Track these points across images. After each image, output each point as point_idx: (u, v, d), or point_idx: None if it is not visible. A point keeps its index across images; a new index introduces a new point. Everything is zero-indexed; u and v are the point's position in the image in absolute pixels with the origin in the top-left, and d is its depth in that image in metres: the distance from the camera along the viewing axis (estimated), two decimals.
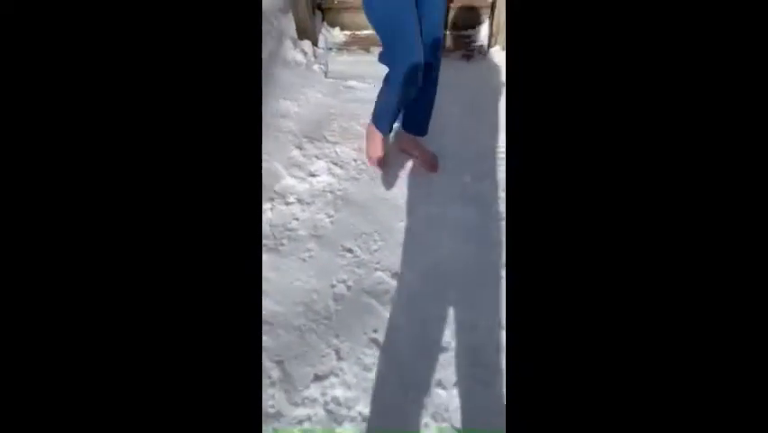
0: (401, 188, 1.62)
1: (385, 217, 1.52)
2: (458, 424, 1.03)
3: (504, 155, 1.78)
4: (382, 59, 1.52)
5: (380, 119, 1.59)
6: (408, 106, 1.62)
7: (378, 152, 1.63)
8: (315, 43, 2.37)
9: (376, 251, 1.42)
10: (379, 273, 1.35)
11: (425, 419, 1.04)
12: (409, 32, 1.35)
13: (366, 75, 2.25)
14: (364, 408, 1.06)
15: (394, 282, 1.32)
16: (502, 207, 1.55)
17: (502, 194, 1.60)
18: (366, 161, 1.71)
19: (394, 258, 1.39)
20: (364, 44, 2.54)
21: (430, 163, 1.68)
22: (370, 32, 2.66)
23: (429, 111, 1.64)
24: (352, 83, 2.18)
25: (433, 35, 1.43)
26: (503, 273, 1.34)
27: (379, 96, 1.58)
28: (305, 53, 2.26)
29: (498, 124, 1.94)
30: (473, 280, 1.32)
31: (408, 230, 1.48)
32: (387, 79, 1.51)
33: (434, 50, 1.46)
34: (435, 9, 1.43)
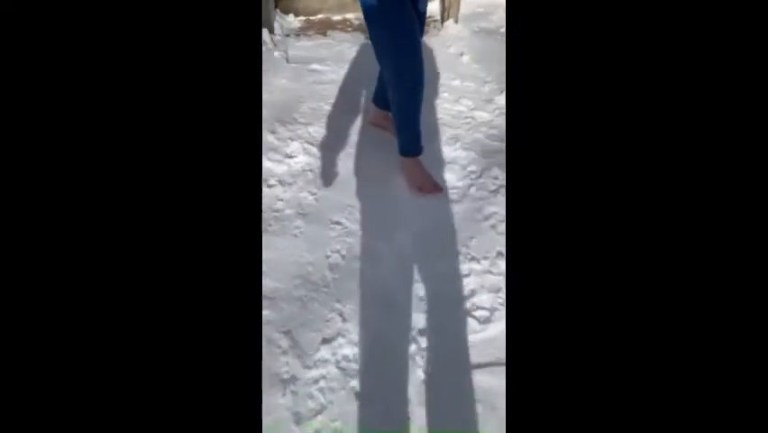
0: (377, 161, 1.68)
1: (367, 189, 1.57)
2: (460, 363, 1.11)
3: (469, 120, 1.87)
4: (381, 60, 1.41)
5: (410, 142, 1.50)
6: (381, 81, 1.63)
7: (426, 180, 1.52)
8: (271, 31, 2.37)
9: (364, 220, 1.47)
10: (369, 240, 1.40)
11: (432, 360, 1.11)
12: (409, 38, 1.29)
13: (327, 57, 2.28)
14: (374, 361, 1.13)
15: (387, 246, 1.38)
16: (476, 168, 1.64)
17: (474, 155, 1.69)
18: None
19: (382, 224, 1.45)
20: (320, 28, 2.56)
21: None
22: (323, 16, 2.68)
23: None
24: (314, 66, 2.20)
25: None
26: (488, 225, 1.43)
27: (397, 121, 1.48)
28: (264, 41, 2.26)
29: (460, 92, 2.03)
30: (462, 235, 1.40)
31: (391, 198, 1.54)
32: (396, 97, 1.41)
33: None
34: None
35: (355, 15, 2.65)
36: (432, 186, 1.52)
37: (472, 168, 1.63)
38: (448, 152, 1.71)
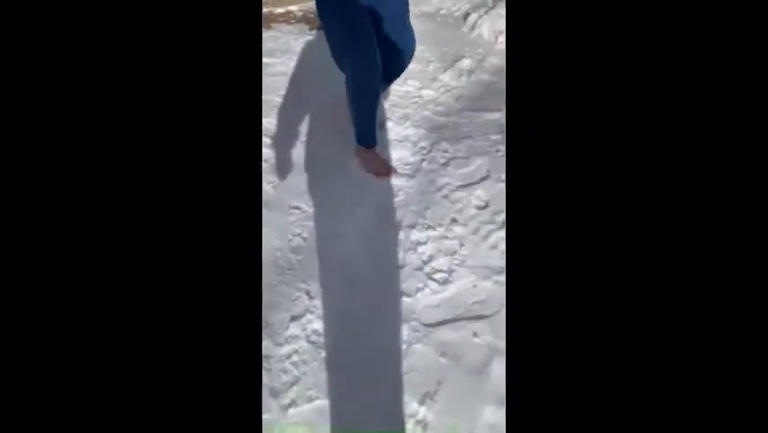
0: (330, 145, 1.71)
1: (323, 173, 1.61)
2: (426, 321, 1.18)
3: (417, 99, 1.93)
4: (338, 63, 1.45)
5: (363, 135, 1.56)
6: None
7: (381, 165, 1.58)
8: None
9: (321, 203, 1.51)
10: (329, 220, 1.45)
11: (397, 323, 1.17)
12: (363, 34, 1.31)
13: (273, 50, 2.29)
14: (342, 331, 1.18)
15: (346, 224, 1.43)
16: (426, 143, 1.70)
17: (424, 131, 1.75)
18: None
19: (341, 204, 1.49)
20: (264, 22, 2.56)
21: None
22: (266, 9, 2.67)
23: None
24: (263, 60, 2.21)
25: (392, 32, 1.41)
26: (440, 195, 1.50)
27: (354, 112, 1.53)
28: None
29: (406, 73, 2.08)
30: (418, 206, 1.47)
31: (347, 179, 1.58)
32: (348, 92, 1.47)
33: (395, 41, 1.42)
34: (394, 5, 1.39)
35: (298, 7, 2.67)
36: (386, 170, 1.58)
37: (423, 144, 1.70)
38: (399, 130, 1.77)
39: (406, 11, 1.45)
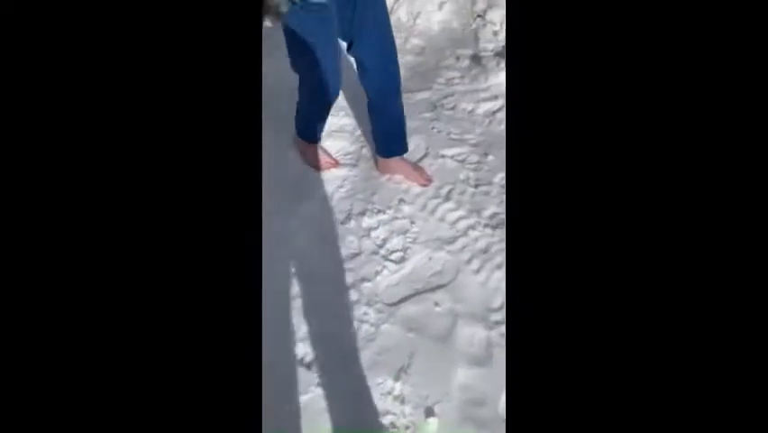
0: (279, 140, 1.69)
1: (272, 168, 1.60)
2: (389, 301, 1.22)
3: (346, 88, 1.95)
4: (293, 63, 1.43)
5: (303, 131, 1.59)
6: (375, 132, 1.54)
7: (317, 158, 1.60)
8: None
9: (267, 202, 1.50)
10: (278, 219, 1.45)
11: (363, 308, 1.20)
12: (320, 48, 1.28)
13: None
14: (309, 327, 1.19)
15: (297, 220, 1.43)
16: (362, 131, 1.73)
17: (358, 120, 1.78)
18: None
19: (287, 202, 1.49)
20: None
21: (422, 178, 1.52)
22: None
23: (397, 129, 1.49)
24: None
25: (376, 52, 1.37)
26: (384, 178, 1.53)
27: (297, 110, 1.55)
28: None
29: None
30: (366, 192, 1.49)
31: (291, 176, 1.58)
32: (301, 89, 1.49)
33: (381, 63, 1.38)
34: (374, 23, 1.32)
35: None
36: (325, 162, 1.60)
37: (359, 132, 1.72)
38: (335, 121, 1.77)
39: (387, 17, 1.38)
